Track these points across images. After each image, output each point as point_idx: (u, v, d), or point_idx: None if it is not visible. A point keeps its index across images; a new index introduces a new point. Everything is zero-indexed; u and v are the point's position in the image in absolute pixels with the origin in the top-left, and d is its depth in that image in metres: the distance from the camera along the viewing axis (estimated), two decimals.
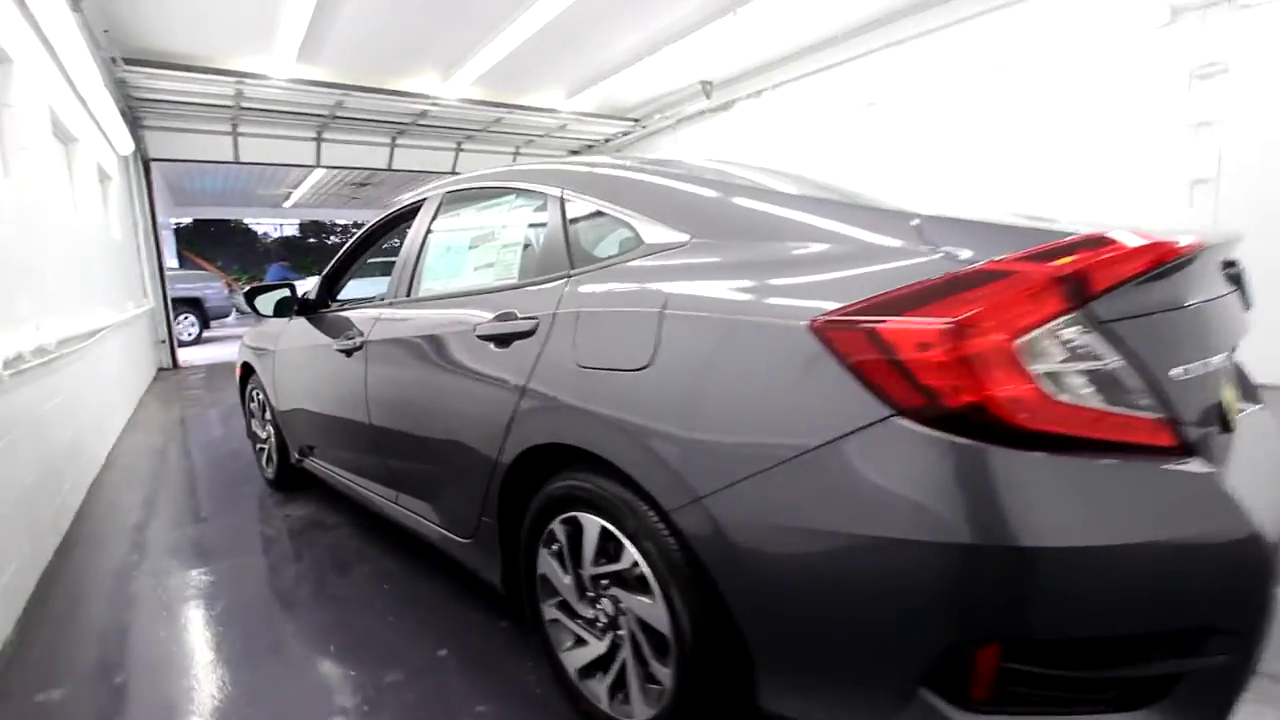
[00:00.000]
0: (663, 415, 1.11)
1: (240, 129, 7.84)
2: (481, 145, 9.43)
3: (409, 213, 2.23)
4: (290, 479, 3.10)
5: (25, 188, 2.93)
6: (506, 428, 1.45)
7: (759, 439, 0.99)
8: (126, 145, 6.13)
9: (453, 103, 7.23)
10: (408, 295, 2.04)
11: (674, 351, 1.12)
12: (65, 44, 3.62)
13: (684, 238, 1.25)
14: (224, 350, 9.50)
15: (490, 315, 1.57)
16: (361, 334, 2.13)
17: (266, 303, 2.75)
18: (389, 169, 9.30)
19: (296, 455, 2.89)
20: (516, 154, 9.76)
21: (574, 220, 1.51)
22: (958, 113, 5.44)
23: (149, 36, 5.37)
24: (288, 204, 15.97)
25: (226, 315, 12.28)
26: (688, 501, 1.07)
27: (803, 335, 0.96)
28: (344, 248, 2.64)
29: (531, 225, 1.71)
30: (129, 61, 5.52)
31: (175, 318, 8.53)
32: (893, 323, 0.90)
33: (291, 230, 28.23)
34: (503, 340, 1.50)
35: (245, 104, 6.94)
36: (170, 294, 8.15)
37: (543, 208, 1.62)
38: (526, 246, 1.70)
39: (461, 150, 9.53)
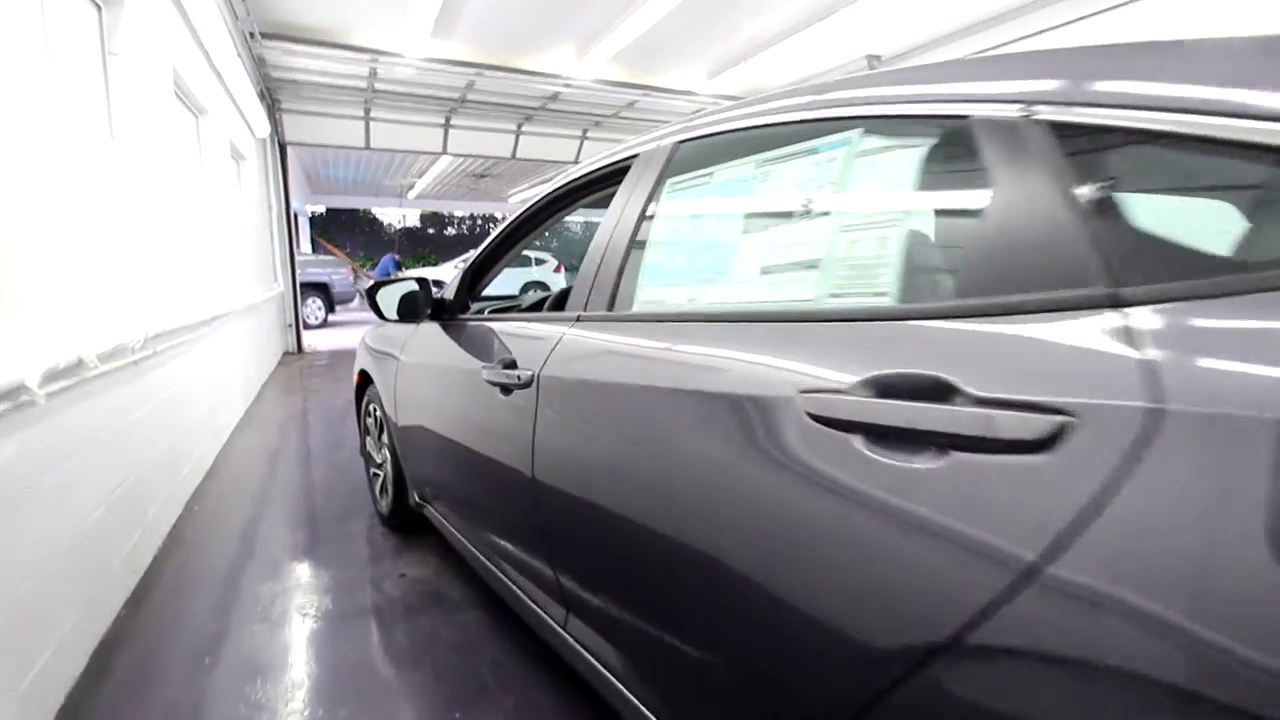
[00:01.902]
0: None
1: (372, 113, 7.71)
2: (608, 133, 8.93)
3: (607, 177, 1.47)
4: (407, 520, 2.48)
5: (133, 153, 2.48)
6: (923, 657, 0.62)
7: None
8: (263, 127, 5.94)
9: (586, 84, 6.66)
10: (610, 308, 1.24)
11: None
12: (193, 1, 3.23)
13: None
14: (347, 335, 9.48)
15: (850, 377, 0.72)
16: (530, 362, 1.36)
17: (389, 301, 2.09)
18: (513, 157, 9.00)
19: (417, 498, 2.25)
20: None
21: (1102, 171, 0.63)
22: None
23: (287, 10, 5.08)
24: (411, 194, 16.25)
25: (350, 300, 12.65)
26: None
27: None
28: (495, 232, 1.94)
29: (930, 187, 0.82)
30: (266, 35, 5.27)
31: (303, 301, 8.54)
32: None
33: (413, 221, 29.41)
34: (897, 439, 0.66)
35: (378, 85, 6.72)
36: (300, 278, 8.12)
37: (961, 149, 0.74)
38: (914, 233, 0.80)
39: (587, 138, 9.08)
